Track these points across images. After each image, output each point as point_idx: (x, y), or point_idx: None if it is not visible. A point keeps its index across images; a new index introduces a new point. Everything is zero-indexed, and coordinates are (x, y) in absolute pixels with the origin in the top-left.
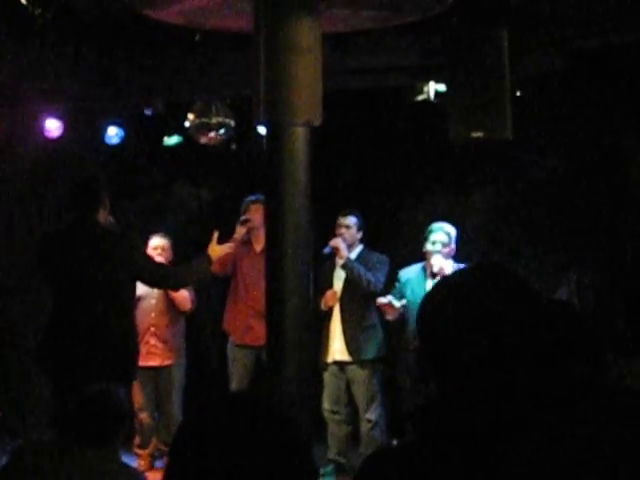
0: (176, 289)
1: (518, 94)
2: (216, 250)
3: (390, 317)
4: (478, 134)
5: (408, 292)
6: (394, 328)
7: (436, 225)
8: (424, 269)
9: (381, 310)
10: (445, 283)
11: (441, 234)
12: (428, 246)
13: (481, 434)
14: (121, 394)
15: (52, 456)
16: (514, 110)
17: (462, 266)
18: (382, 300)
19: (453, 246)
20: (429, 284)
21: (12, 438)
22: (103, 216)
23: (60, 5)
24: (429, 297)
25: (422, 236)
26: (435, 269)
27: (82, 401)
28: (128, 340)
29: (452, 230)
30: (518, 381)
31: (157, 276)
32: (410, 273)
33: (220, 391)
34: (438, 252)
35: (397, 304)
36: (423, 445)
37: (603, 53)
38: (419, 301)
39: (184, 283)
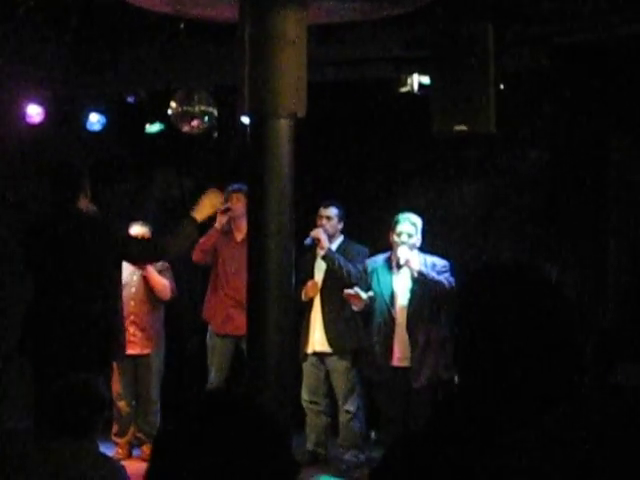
0: (165, 259)
1: (502, 88)
2: (206, 206)
3: (356, 308)
4: (461, 128)
5: (374, 282)
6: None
7: (402, 215)
8: (389, 260)
9: (348, 301)
10: (486, 280)
11: (407, 225)
12: (394, 237)
13: (500, 424)
14: (99, 384)
15: (28, 445)
16: (497, 104)
17: (428, 257)
18: (349, 291)
19: (419, 236)
20: (395, 275)
21: None
22: (84, 203)
23: None
24: (474, 289)
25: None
26: (402, 261)
27: (60, 391)
28: (112, 325)
29: (418, 221)
30: (539, 376)
31: (143, 252)
32: (376, 263)
33: (197, 391)
34: (404, 243)
35: (364, 295)
36: (446, 433)
37: (586, 49)
38: (385, 291)
39: (171, 252)
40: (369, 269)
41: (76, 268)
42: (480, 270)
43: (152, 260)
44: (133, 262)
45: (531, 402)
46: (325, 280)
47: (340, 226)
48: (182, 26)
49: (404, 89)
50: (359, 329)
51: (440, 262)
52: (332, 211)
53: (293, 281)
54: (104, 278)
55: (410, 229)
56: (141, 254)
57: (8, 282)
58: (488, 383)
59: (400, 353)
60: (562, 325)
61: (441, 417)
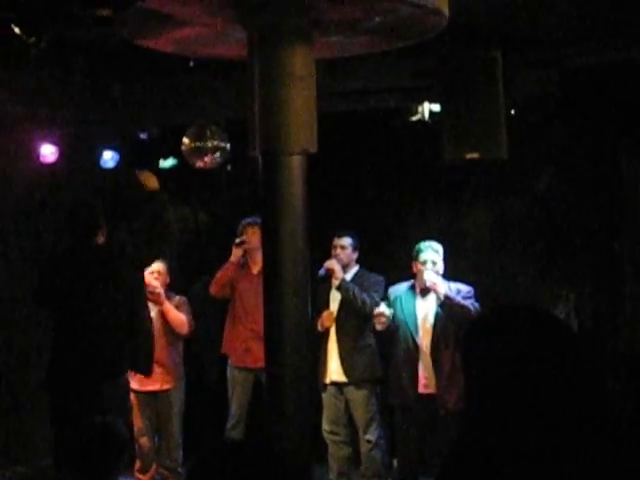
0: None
1: (512, 113)
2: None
3: (380, 327)
4: (473, 155)
5: (398, 310)
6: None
7: (424, 244)
8: (413, 287)
9: (375, 321)
10: (494, 320)
11: (430, 252)
12: (419, 265)
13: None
14: (120, 424)
15: None
16: (509, 129)
17: (452, 283)
18: (379, 309)
19: (442, 264)
20: (419, 301)
21: (14, 464)
22: (101, 241)
23: (54, 34)
24: (480, 329)
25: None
26: (428, 283)
27: (81, 432)
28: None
29: (440, 248)
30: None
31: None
32: (399, 291)
33: (216, 442)
34: (429, 270)
35: (387, 312)
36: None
37: (596, 71)
38: (409, 318)
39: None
40: (392, 297)
41: (94, 302)
42: (483, 315)
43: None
44: (143, 265)
45: (546, 443)
46: (340, 310)
47: (355, 255)
48: (191, 64)
49: (415, 117)
50: (375, 358)
51: (465, 288)
52: (346, 241)
53: (310, 312)
54: (121, 313)
55: (434, 257)
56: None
57: (25, 322)
58: (500, 425)
59: (426, 380)
60: (570, 365)
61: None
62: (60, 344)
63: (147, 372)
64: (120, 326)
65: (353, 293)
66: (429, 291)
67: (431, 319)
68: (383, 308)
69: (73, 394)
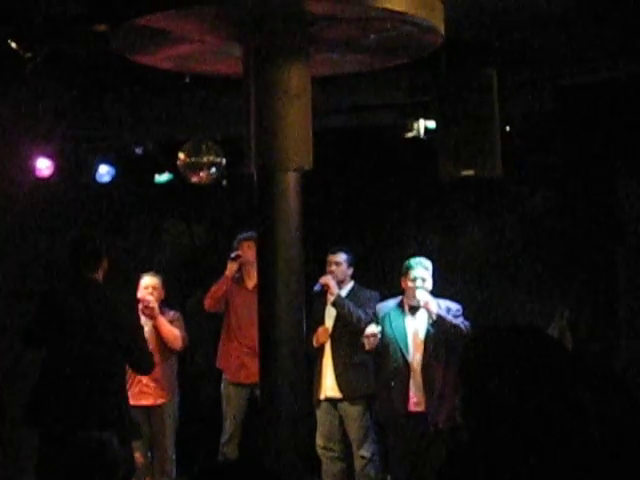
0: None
1: (508, 130)
2: None
3: (369, 347)
4: (468, 172)
5: (387, 327)
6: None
7: (414, 260)
8: (401, 303)
9: (365, 342)
10: (491, 340)
11: (421, 269)
12: (408, 282)
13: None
14: (114, 443)
15: None
16: (504, 145)
17: (441, 301)
18: (367, 332)
19: (431, 281)
20: (408, 319)
21: None
22: (100, 275)
23: (50, 49)
24: (477, 351)
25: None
26: (421, 303)
27: (76, 451)
28: (121, 401)
29: (430, 265)
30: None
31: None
32: (387, 308)
33: (209, 460)
34: (419, 288)
35: (376, 330)
36: None
37: (592, 90)
38: (398, 336)
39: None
40: (381, 314)
41: (88, 339)
42: (481, 335)
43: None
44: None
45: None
46: (335, 326)
47: (350, 271)
48: (187, 79)
49: (410, 134)
50: (370, 374)
51: (454, 306)
52: (341, 257)
53: (304, 328)
54: (116, 352)
55: (424, 274)
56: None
57: (17, 350)
58: (496, 441)
59: (416, 398)
60: (564, 384)
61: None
62: (49, 379)
63: (147, 371)
64: (112, 365)
65: (348, 309)
66: (418, 308)
67: (422, 336)
68: (374, 329)
69: (59, 431)
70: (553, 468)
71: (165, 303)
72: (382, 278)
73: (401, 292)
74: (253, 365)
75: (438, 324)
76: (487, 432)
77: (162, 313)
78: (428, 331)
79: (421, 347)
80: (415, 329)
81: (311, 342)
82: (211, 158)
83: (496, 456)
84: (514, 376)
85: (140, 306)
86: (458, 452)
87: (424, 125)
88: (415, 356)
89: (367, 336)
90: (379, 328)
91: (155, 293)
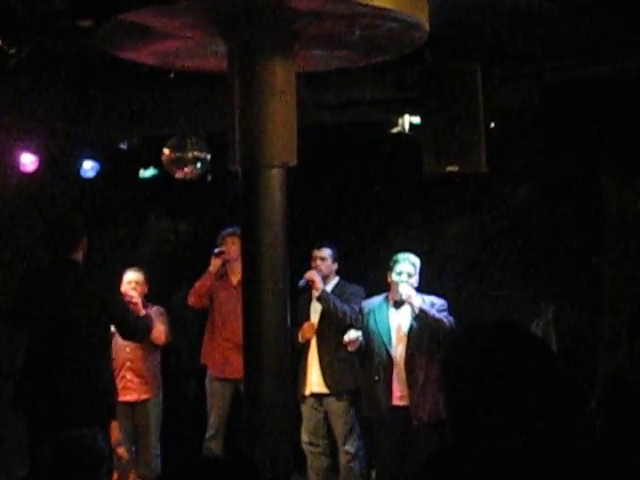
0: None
1: (492, 126)
2: None
3: (352, 349)
4: (453, 168)
5: (371, 322)
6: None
7: (402, 255)
8: (386, 299)
9: (347, 345)
10: (472, 339)
11: (407, 264)
12: (394, 276)
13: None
14: (99, 437)
15: None
16: (488, 141)
17: (425, 296)
18: (349, 338)
19: (417, 277)
20: (392, 313)
21: None
22: (80, 256)
23: (34, 44)
24: (457, 349)
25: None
26: (404, 297)
27: (59, 446)
28: (105, 381)
29: (417, 261)
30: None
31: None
32: (372, 304)
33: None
34: (404, 281)
35: (355, 335)
36: None
37: (576, 85)
38: (382, 331)
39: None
40: (366, 310)
41: (73, 322)
42: (465, 332)
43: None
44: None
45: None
46: (321, 321)
47: (334, 267)
48: (172, 75)
49: (395, 130)
50: (356, 370)
51: (438, 301)
52: (326, 252)
53: (289, 324)
54: (99, 332)
55: (410, 269)
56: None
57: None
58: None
59: (400, 392)
60: (547, 382)
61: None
62: (33, 361)
63: (142, 339)
64: (95, 343)
65: (334, 304)
66: (403, 303)
67: (405, 330)
68: (353, 334)
69: (47, 412)
70: (538, 467)
71: (148, 298)
72: (367, 273)
73: (386, 287)
74: (237, 361)
75: (421, 318)
76: (469, 432)
77: (145, 308)
78: (411, 325)
79: (404, 341)
80: (398, 323)
81: (296, 338)
82: (196, 154)
83: (479, 457)
84: (496, 375)
85: None
86: (438, 453)
87: (409, 121)
88: (398, 350)
89: (348, 341)
90: (359, 332)
91: (138, 288)
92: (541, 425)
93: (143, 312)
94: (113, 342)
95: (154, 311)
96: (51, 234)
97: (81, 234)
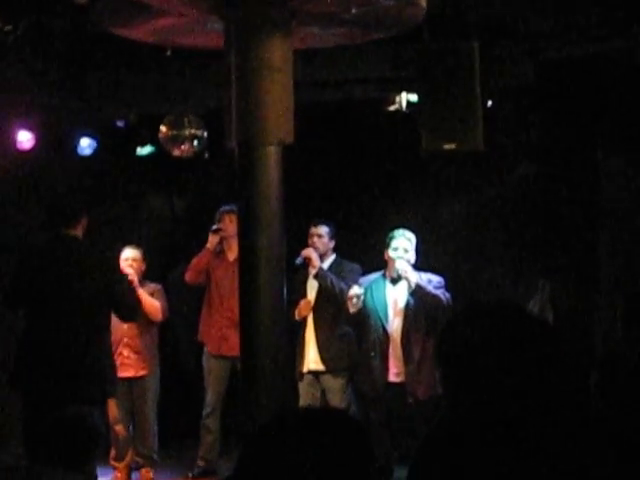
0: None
1: (489, 104)
2: None
3: (353, 310)
4: (450, 146)
5: (368, 298)
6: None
7: (397, 232)
8: (383, 275)
9: (349, 303)
10: (469, 318)
11: (403, 240)
12: (390, 252)
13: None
14: (95, 415)
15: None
16: (486, 119)
17: (422, 273)
18: (350, 294)
19: (414, 253)
20: (389, 289)
21: None
22: (80, 232)
23: (31, 22)
24: (455, 328)
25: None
26: (400, 272)
27: (55, 423)
28: (104, 358)
29: (413, 237)
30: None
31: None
32: (369, 280)
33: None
34: (401, 258)
35: (360, 291)
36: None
37: (573, 63)
38: (379, 307)
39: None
40: (363, 286)
41: (72, 298)
42: (462, 311)
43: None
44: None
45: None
46: (317, 299)
47: (332, 244)
48: (169, 53)
49: (392, 107)
50: (352, 346)
51: (435, 278)
52: (323, 229)
53: (285, 301)
54: (99, 308)
55: (406, 244)
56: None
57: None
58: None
59: (396, 368)
60: (545, 359)
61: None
62: (31, 339)
63: (132, 318)
64: (95, 319)
65: (331, 282)
66: (399, 279)
67: (401, 306)
68: (357, 290)
69: (46, 391)
70: (536, 449)
71: (146, 276)
72: (364, 251)
73: (383, 265)
74: (234, 337)
75: (418, 294)
76: (466, 413)
77: (142, 285)
78: (408, 301)
79: (400, 317)
80: (395, 299)
81: (293, 315)
82: (193, 131)
83: (476, 437)
84: (495, 354)
85: None
86: (436, 433)
87: (406, 98)
88: (394, 326)
89: (350, 297)
90: (362, 290)
91: (135, 265)
92: (540, 402)
93: (140, 290)
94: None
95: (152, 288)
96: (51, 210)
97: (81, 211)
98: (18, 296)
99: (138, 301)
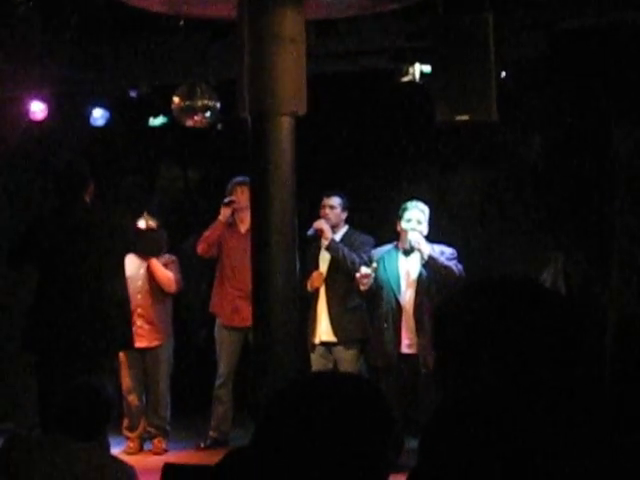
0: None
1: (503, 75)
2: None
3: (363, 287)
4: (463, 117)
5: (381, 270)
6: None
7: (410, 203)
8: (396, 247)
9: (359, 282)
10: (473, 295)
11: (416, 211)
12: (403, 223)
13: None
14: (106, 386)
15: (39, 450)
16: (499, 90)
17: (435, 245)
18: (359, 274)
19: (426, 225)
20: (401, 260)
21: (0, 421)
22: (88, 199)
23: None
24: (457, 303)
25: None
26: (413, 243)
27: (67, 394)
28: (118, 315)
29: (426, 209)
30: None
31: (146, 244)
32: (381, 252)
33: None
34: (414, 229)
35: (370, 271)
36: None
37: (587, 34)
38: (392, 278)
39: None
40: (375, 258)
41: (81, 259)
42: (464, 287)
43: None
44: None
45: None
46: (329, 270)
47: (344, 215)
48: (182, 23)
49: (406, 79)
50: (364, 318)
51: (448, 250)
52: (335, 200)
53: (297, 272)
54: (110, 268)
55: (419, 216)
56: (144, 247)
57: (11, 279)
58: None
59: (408, 339)
60: (560, 337)
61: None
62: (43, 302)
63: (130, 346)
64: (103, 288)
65: (342, 253)
66: (412, 251)
67: (414, 277)
68: (366, 270)
69: (57, 353)
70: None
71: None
72: (376, 222)
73: (395, 236)
74: (247, 309)
75: (430, 265)
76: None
77: (157, 256)
78: (420, 272)
79: (413, 288)
80: (407, 270)
81: (305, 286)
82: (205, 102)
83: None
84: (511, 329)
85: None
86: (445, 411)
87: (419, 69)
88: (407, 297)
89: (360, 277)
90: (370, 268)
91: None
92: (548, 378)
93: (154, 260)
94: None
95: (166, 259)
96: (58, 179)
97: (87, 178)
98: (20, 256)
99: (155, 240)
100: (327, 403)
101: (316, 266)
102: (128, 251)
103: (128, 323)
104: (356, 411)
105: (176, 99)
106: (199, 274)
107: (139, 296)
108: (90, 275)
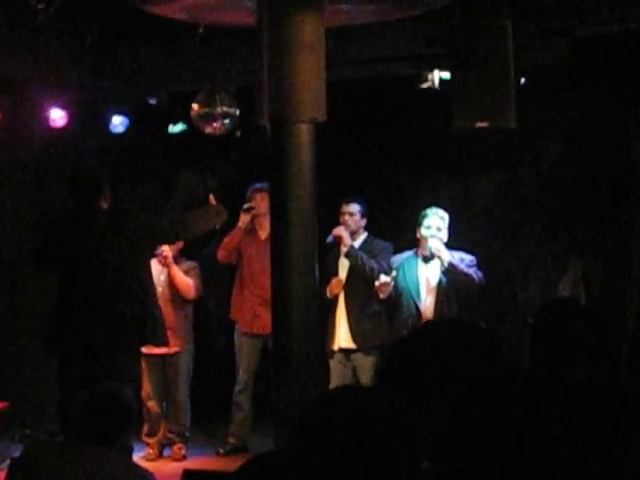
0: (189, 235)
1: (522, 82)
2: None
3: (383, 295)
4: (482, 124)
5: (400, 277)
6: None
7: (431, 210)
8: (415, 254)
9: (378, 291)
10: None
11: (436, 218)
12: (423, 230)
13: None
14: (127, 392)
15: (59, 456)
16: (518, 96)
17: (455, 252)
18: (378, 282)
19: (446, 232)
20: (421, 267)
21: (21, 428)
22: (104, 206)
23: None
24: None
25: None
26: (433, 250)
27: (88, 400)
28: (145, 311)
29: (446, 216)
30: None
31: (169, 234)
32: (401, 259)
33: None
34: (434, 236)
35: (388, 279)
36: None
37: (607, 40)
38: (411, 285)
39: (196, 228)
40: (394, 265)
41: (100, 261)
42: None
43: (178, 236)
44: (164, 241)
45: None
46: (349, 277)
47: (363, 222)
48: (201, 30)
49: (425, 85)
50: (383, 325)
51: (468, 257)
52: (354, 207)
53: (317, 279)
54: (132, 268)
55: (439, 223)
56: (169, 232)
57: (35, 284)
58: None
59: None
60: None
61: None
62: (62, 307)
63: (163, 341)
64: (122, 289)
65: (362, 260)
66: (432, 257)
67: (433, 284)
68: (385, 278)
69: (78, 355)
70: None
71: (182, 253)
72: (395, 229)
73: (415, 243)
74: (266, 316)
75: (450, 272)
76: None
77: (178, 263)
78: (440, 279)
79: (433, 295)
80: (427, 277)
81: (325, 293)
82: (225, 109)
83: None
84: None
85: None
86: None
87: (439, 76)
88: (427, 304)
89: (380, 286)
90: (390, 277)
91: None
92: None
93: (174, 267)
94: None
95: (187, 265)
96: (74, 185)
97: (102, 184)
98: (44, 258)
99: (183, 223)
100: (360, 419)
101: (335, 273)
102: (155, 242)
103: (148, 320)
104: (386, 424)
105: (195, 106)
106: (219, 281)
107: (159, 302)
108: (107, 278)
